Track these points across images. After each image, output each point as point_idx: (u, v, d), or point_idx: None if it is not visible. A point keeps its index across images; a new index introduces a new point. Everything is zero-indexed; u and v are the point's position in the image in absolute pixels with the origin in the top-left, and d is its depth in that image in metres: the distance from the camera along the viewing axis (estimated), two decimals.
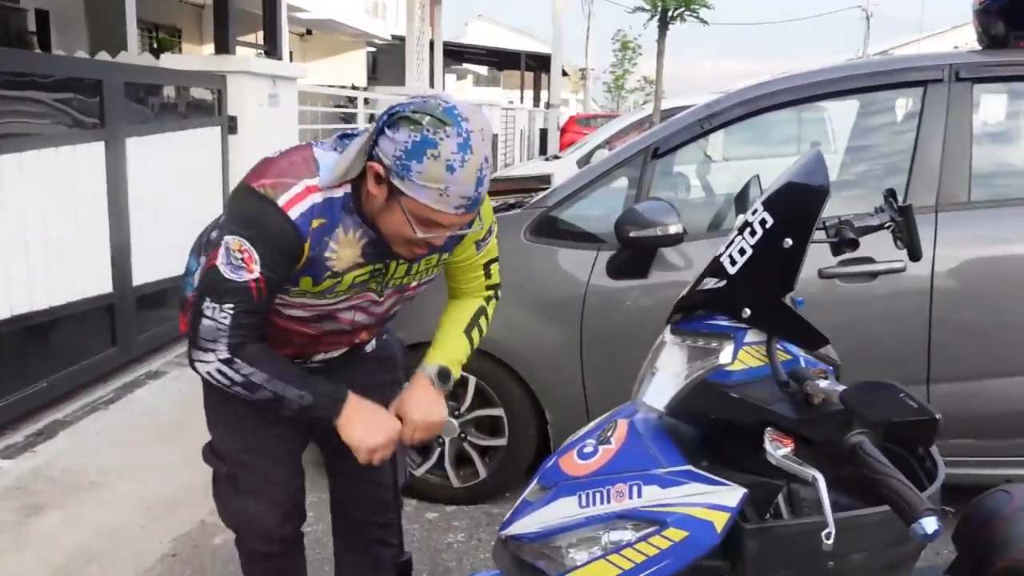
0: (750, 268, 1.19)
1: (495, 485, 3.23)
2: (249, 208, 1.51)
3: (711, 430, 1.27)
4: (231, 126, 5.62)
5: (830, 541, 1.03)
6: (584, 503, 1.29)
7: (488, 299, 1.90)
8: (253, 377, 1.56)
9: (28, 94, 3.89)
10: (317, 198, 1.51)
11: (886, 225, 1.44)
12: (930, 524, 0.95)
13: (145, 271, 4.70)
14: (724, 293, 1.22)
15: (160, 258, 4.80)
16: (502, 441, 3.16)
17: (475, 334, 1.85)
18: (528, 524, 1.35)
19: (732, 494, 1.18)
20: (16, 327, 3.74)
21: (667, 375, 1.30)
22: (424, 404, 1.70)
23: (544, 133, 22.40)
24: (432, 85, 11.81)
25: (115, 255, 4.45)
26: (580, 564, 1.25)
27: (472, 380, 3.14)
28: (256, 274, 1.50)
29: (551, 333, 3.04)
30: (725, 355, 1.20)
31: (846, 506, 1.19)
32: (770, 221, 1.17)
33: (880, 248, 2.72)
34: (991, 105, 3.12)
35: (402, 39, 11.92)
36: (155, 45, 14.70)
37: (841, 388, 1.08)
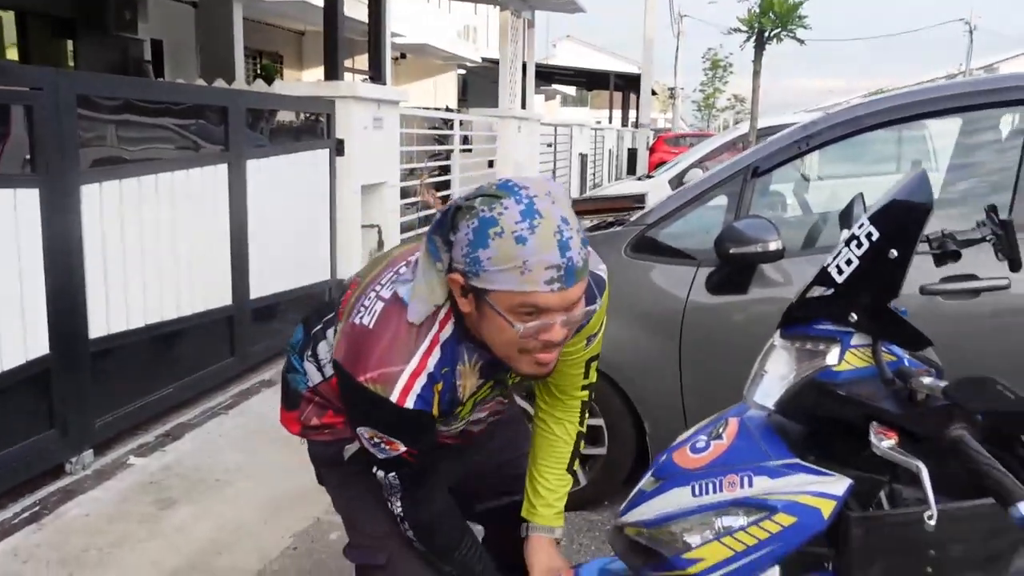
0: (856, 277, 1.29)
1: (595, 493, 3.34)
2: (366, 405, 1.40)
3: (817, 427, 1.37)
4: (339, 148, 5.92)
5: (932, 522, 1.12)
6: (697, 492, 1.41)
7: (582, 412, 1.77)
8: (415, 544, 1.60)
9: (161, 120, 4.24)
10: (430, 364, 1.38)
11: (987, 238, 1.51)
12: None
13: (260, 285, 5.00)
14: (832, 300, 1.32)
15: (274, 273, 5.11)
16: (602, 451, 3.28)
17: (576, 465, 1.78)
18: (644, 512, 1.48)
19: (839, 484, 1.28)
20: (148, 336, 4.07)
21: (776, 376, 1.40)
22: (555, 562, 1.71)
23: (633, 153, 22.46)
24: (524, 106, 12.03)
25: (235, 270, 4.76)
26: (695, 546, 1.36)
27: None
28: (403, 448, 1.45)
29: (651, 346, 3.15)
30: (832, 356, 1.31)
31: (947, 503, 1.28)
32: (876, 234, 1.26)
33: (984, 265, 2.78)
34: None
35: (492, 61, 12.21)
36: (260, 72, 15.43)
37: (944, 384, 1.17)
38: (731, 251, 2.89)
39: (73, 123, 3.45)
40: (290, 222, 5.34)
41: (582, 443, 1.79)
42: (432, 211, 7.87)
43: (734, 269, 2.98)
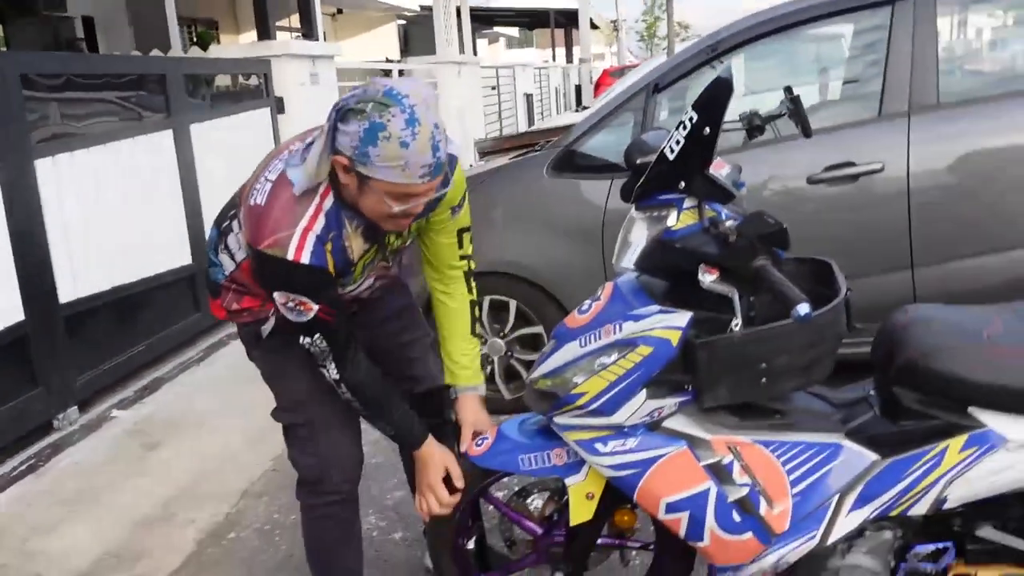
0: (683, 153, 1.60)
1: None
2: (269, 271, 1.69)
3: (670, 277, 1.70)
4: (279, 106, 6.11)
5: (739, 329, 1.46)
6: (583, 344, 1.74)
7: (468, 283, 2.09)
8: (353, 404, 1.86)
9: (104, 94, 4.43)
10: (317, 227, 1.67)
11: (784, 113, 1.84)
12: (803, 308, 1.37)
13: None
14: (667, 173, 1.64)
15: None
16: None
17: (477, 327, 2.12)
18: (545, 367, 1.80)
19: (681, 317, 1.61)
20: (116, 297, 4.32)
21: (636, 243, 1.73)
22: (481, 415, 2.07)
23: (579, 89, 22.59)
24: (463, 51, 12.15)
25: (191, 230, 5.00)
26: (580, 383, 1.70)
27: (513, 303, 3.60)
28: (315, 308, 1.71)
29: (577, 255, 3.47)
30: (671, 219, 1.63)
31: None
32: (695, 117, 1.58)
33: (859, 153, 3.12)
34: (953, 15, 3.42)
35: (431, 9, 12.25)
36: (195, 39, 15.31)
37: (737, 222, 1.50)
38: (637, 161, 3.19)
39: (20, 101, 3.65)
40: (240, 181, 5.55)
41: (476, 311, 2.12)
42: None
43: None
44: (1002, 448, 1.63)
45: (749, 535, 1.71)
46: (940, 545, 1.74)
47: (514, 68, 16.26)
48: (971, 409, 1.65)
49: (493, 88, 14.32)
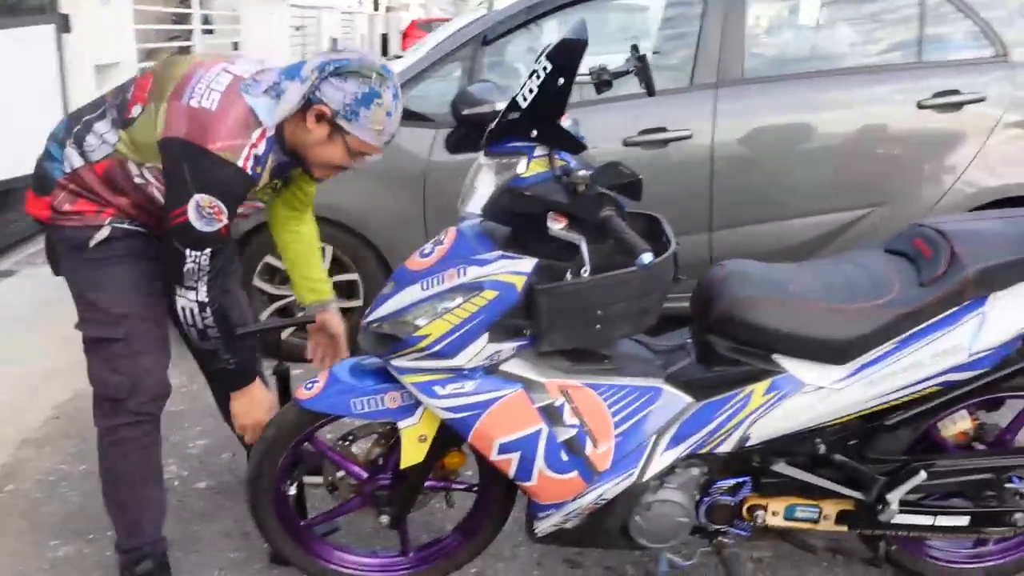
0: (536, 102, 1.63)
1: (353, 339, 3.63)
2: (213, 171, 1.73)
3: (516, 225, 1.72)
4: (64, 24, 5.52)
5: (587, 275, 1.52)
6: (425, 287, 1.73)
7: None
8: (209, 331, 1.84)
9: None
10: (259, 148, 1.78)
11: (631, 70, 1.92)
12: (646, 257, 1.44)
13: None
14: (519, 121, 1.66)
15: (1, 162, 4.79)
16: (358, 303, 3.57)
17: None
18: (385, 310, 1.78)
19: (527, 263, 1.65)
20: None
21: (482, 189, 1.74)
22: (342, 325, 2.25)
23: (385, 37, 22.13)
24: None
25: None
26: (423, 326, 1.69)
27: (329, 249, 3.51)
28: (224, 221, 1.77)
29: (398, 204, 3.43)
30: (520, 166, 1.65)
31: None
32: (549, 67, 1.60)
33: (671, 120, 3.31)
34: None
35: None
36: None
37: (590, 172, 1.56)
38: (464, 112, 3.20)
39: None
40: (14, 106, 4.98)
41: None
42: None
43: (468, 129, 3.30)
44: (799, 391, 1.81)
45: (574, 474, 1.80)
46: (739, 480, 1.92)
47: (320, 12, 15.63)
48: (775, 356, 1.82)
49: (298, 29, 13.70)
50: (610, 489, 1.84)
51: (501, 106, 3.21)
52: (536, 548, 2.31)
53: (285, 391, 2.26)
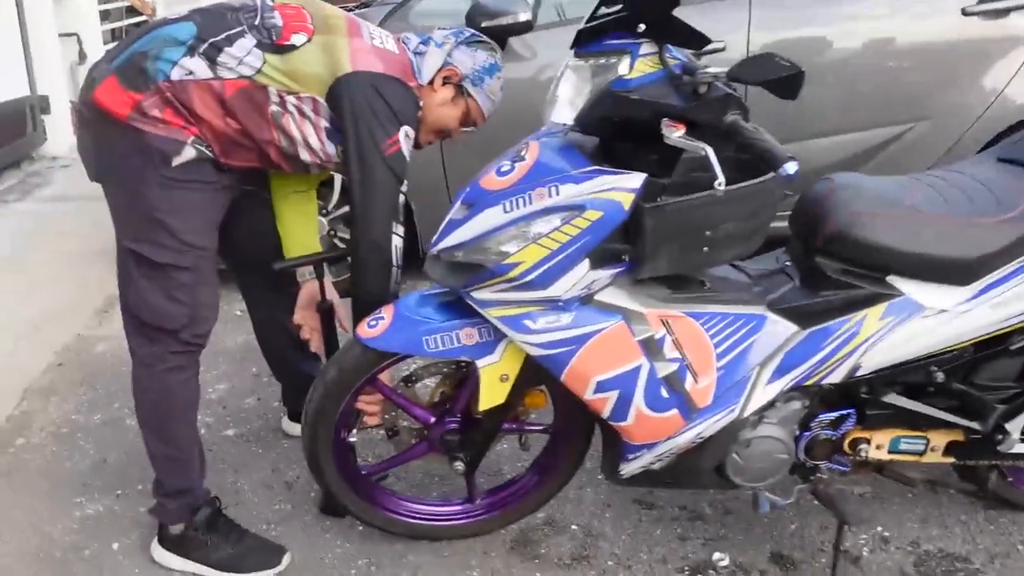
0: None
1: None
2: (413, 106, 1.81)
3: (611, 136, 1.53)
4: None
5: (722, 189, 1.33)
6: (508, 209, 1.53)
7: None
8: (399, 271, 1.82)
9: None
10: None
11: None
12: (791, 166, 1.26)
13: None
14: (621, 15, 1.44)
15: None
16: None
17: None
18: (459, 236, 1.58)
19: (636, 178, 1.45)
20: None
21: (572, 95, 1.53)
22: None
23: None
24: None
25: None
26: (513, 253, 1.50)
27: (338, 178, 3.27)
28: (406, 146, 1.79)
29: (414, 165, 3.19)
30: (623, 66, 1.44)
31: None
32: None
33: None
34: None
35: None
36: None
37: (726, 69, 1.36)
38: (482, 24, 2.95)
39: None
40: None
41: None
42: (142, 17, 7.07)
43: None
44: (918, 316, 1.65)
45: (674, 412, 1.65)
46: (842, 412, 1.78)
47: None
48: (890, 278, 1.66)
49: None
50: (710, 426, 1.68)
51: (524, 17, 3.03)
52: (603, 489, 2.17)
53: (330, 329, 2.08)
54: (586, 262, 1.50)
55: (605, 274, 1.54)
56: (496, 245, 1.53)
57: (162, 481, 1.92)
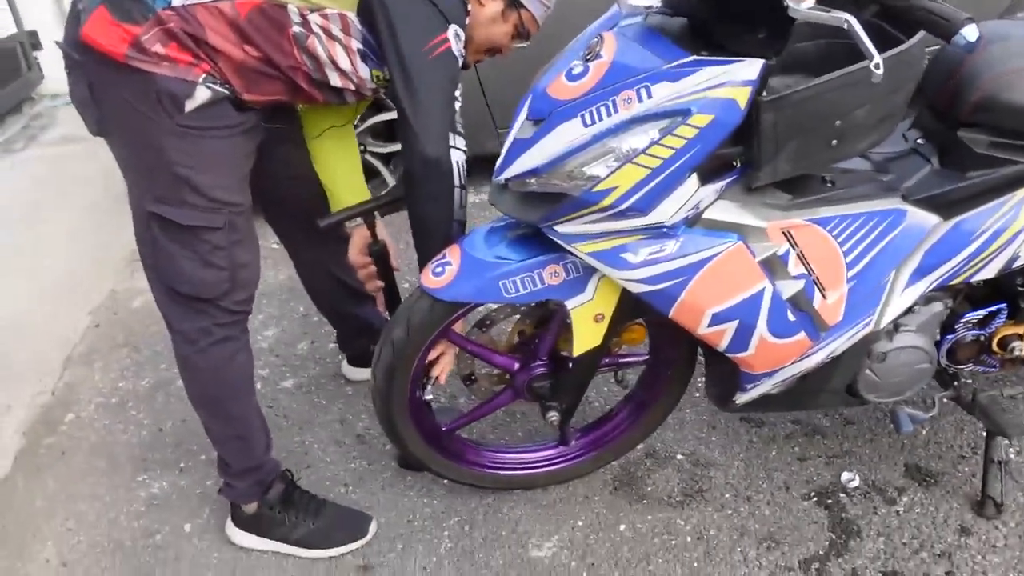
0: None
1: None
2: (462, 6, 1.55)
3: (709, 15, 1.23)
4: None
5: (880, 71, 1.05)
6: (589, 121, 1.25)
7: None
8: (460, 188, 1.53)
9: None
10: None
11: None
12: (971, 32, 0.97)
13: None
14: None
15: None
16: (398, 146, 3.08)
17: None
18: (530, 160, 1.31)
19: (751, 67, 1.16)
20: None
21: None
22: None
23: None
24: None
25: None
26: (604, 176, 1.23)
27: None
28: (454, 47, 1.51)
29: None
30: None
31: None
32: None
33: None
34: None
35: None
36: None
37: None
38: None
39: None
40: None
41: None
42: None
43: None
44: None
45: (801, 335, 1.41)
46: (992, 308, 1.53)
47: None
48: None
49: None
50: (842, 345, 1.45)
51: None
52: (703, 409, 1.97)
53: (386, 270, 1.86)
54: (694, 177, 1.23)
55: (714, 187, 1.28)
56: (580, 168, 1.26)
57: (226, 461, 1.74)
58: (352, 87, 1.57)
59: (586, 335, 1.47)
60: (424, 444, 1.70)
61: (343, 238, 1.93)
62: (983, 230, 1.40)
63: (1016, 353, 1.57)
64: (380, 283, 1.91)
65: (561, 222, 1.32)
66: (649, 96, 1.21)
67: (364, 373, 2.23)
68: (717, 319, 1.35)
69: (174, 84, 1.41)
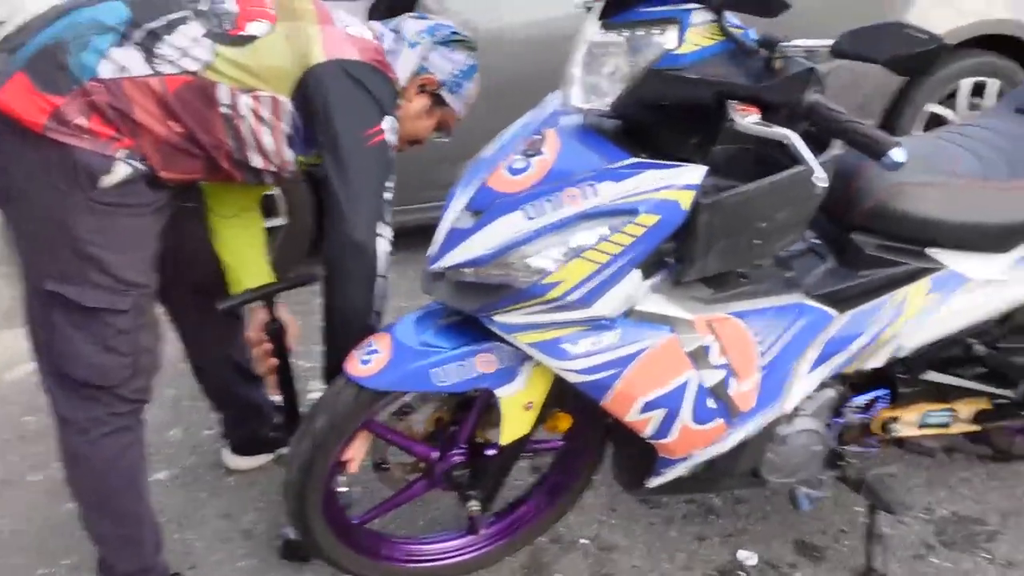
0: None
1: (280, 262, 3.09)
2: (393, 97, 1.56)
3: (657, 120, 1.29)
4: None
5: (823, 184, 1.14)
6: (533, 214, 1.28)
7: None
8: (382, 277, 1.51)
9: None
10: None
11: None
12: (899, 154, 1.08)
13: None
14: None
15: None
16: (282, 220, 3.00)
17: None
18: (470, 250, 1.32)
19: (695, 172, 1.24)
20: None
21: (600, 74, 1.28)
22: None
23: None
24: None
25: None
26: (552, 270, 1.26)
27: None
28: (388, 136, 1.52)
29: None
30: (670, 39, 1.21)
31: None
32: None
33: None
34: None
35: None
36: None
37: (828, 42, 1.15)
38: None
39: None
40: None
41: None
42: None
43: None
44: (961, 288, 1.55)
45: (718, 421, 1.48)
46: (876, 394, 1.67)
47: None
48: (929, 251, 1.54)
49: None
50: (753, 428, 1.53)
51: None
52: (602, 492, 2.00)
53: (281, 351, 1.81)
54: (637, 272, 1.29)
55: (651, 282, 1.34)
56: (523, 260, 1.29)
57: (111, 564, 1.59)
58: (273, 169, 1.53)
59: (515, 423, 1.48)
60: (336, 540, 1.62)
61: (238, 316, 1.87)
62: (874, 322, 1.53)
63: (893, 435, 1.71)
64: (274, 361, 1.85)
65: (500, 312, 1.33)
66: (595, 194, 1.26)
67: (248, 462, 2.12)
68: (648, 407, 1.40)
69: (92, 158, 1.33)
